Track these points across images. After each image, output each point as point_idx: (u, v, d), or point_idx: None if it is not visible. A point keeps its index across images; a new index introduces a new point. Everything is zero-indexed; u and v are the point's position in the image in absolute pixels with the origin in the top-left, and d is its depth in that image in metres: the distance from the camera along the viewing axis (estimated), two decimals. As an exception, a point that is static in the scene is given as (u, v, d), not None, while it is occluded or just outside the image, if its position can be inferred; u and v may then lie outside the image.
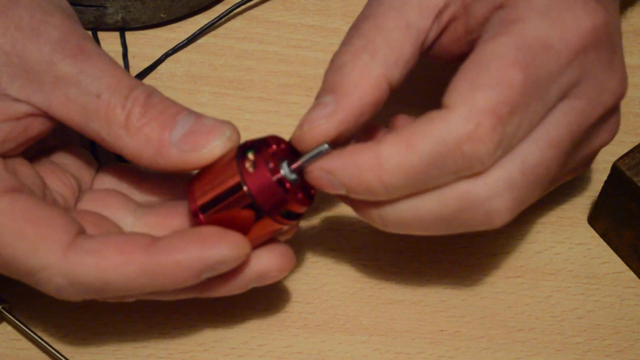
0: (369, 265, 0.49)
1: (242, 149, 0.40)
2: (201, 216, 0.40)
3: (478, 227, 0.41)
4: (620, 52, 0.43)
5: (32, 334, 0.45)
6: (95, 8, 0.53)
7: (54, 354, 0.44)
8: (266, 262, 0.42)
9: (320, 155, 0.40)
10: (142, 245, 0.39)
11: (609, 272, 0.50)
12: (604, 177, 0.49)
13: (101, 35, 0.54)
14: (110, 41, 0.54)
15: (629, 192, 0.47)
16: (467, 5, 0.42)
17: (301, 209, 0.41)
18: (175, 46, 0.54)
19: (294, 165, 0.40)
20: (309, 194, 0.41)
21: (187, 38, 0.55)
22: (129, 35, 0.55)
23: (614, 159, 0.48)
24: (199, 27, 0.55)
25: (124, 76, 0.41)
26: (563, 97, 0.41)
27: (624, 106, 0.45)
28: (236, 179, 0.40)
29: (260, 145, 0.40)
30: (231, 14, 0.56)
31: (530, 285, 0.49)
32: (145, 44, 0.55)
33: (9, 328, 0.46)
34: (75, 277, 0.39)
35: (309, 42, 0.56)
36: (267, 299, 0.48)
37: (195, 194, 0.41)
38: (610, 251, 0.51)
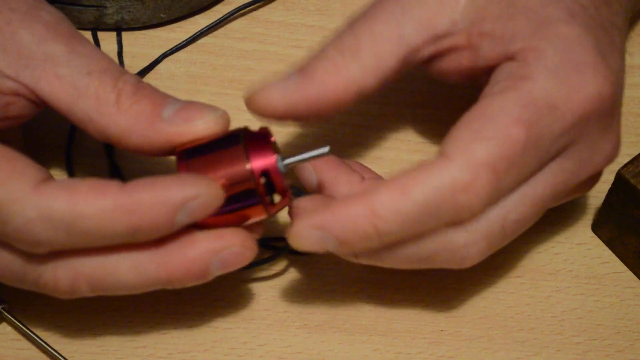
0: (368, 266, 0.49)
1: (245, 133, 0.40)
2: None
3: (446, 266, 0.43)
4: (618, 115, 0.44)
5: (31, 334, 0.45)
6: (94, 8, 0.53)
7: (54, 355, 0.44)
8: (229, 241, 0.40)
9: (319, 156, 0.40)
10: (116, 184, 0.38)
11: (609, 272, 0.50)
12: (604, 178, 0.49)
13: (101, 35, 0.54)
14: (110, 41, 0.54)
15: (633, 200, 0.47)
16: (474, 43, 0.43)
17: (283, 203, 0.41)
18: (174, 47, 0.54)
19: (289, 161, 0.40)
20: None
21: (187, 39, 0.55)
22: (129, 36, 0.54)
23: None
24: (198, 27, 0.55)
25: (112, 62, 0.41)
26: (556, 155, 0.42)
27: (624, 106, 0.45)
28: (241, 160, 0.39)
29: (264, 134, 0.40)
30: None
31: (530, 285, 0.49)
32: (145, 44, 0.55)
33: (9, 328, 0.46)
34: (46, 208, 0.38)
35: (309, 42, 0.56)
36: (267, 299, 0.48)
37: (189, 167, 0.40)
38: (611, 251, 0.51)
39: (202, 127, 0.40)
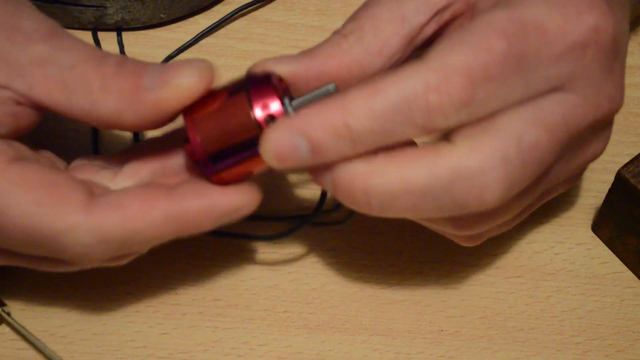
0: (369, 265, 0.49)
1: (249, 81, 0.40)
2: (198, 141, 0.40)
3: (469, 206, 0.39)
4: (622, 61, 0.42)
5: (31, 337, 0.45)
6: (95, 8, 0.53)
7: (53, 357, 0.45)
8: (238, 197, 0.41)
9: (326, 95, 0.39)
10: (162, 192, 0.39)
11: (609, 272, 0.50)
12: (604, 178, 0.49)
13: (101, 35, 0.54)
14: (110, 41, 0.54)
15: (633, 200, 0.47)
16: (471, 3, 0.43)
17: None
18: (179, 48, 0.54)
19: (297, 102, 0.40)
20: None
21: (190, 40, 0.55)
22: (129, 36, 0.55)
23: (613, 159, 0.48)
24: (199, 27, 0.55)
25: (94, 49, 0.41)
26: (556, 88, 0.40)
27: (624, 106, 0.45)
28: (245, 110, 0.39)
29: (267, 78, 0.40)
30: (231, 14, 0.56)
31: (530, 285, 0.49)
32: (146, 44, 0.55)
33: (8, 329, 0.46)
34: (102, 232, 0.38)
35: (309, 42, 0.55)
36: (267, 299, 0.48)
37: (196, 124, 0.40)
38: (611, 251, 0.51)
39: (186, 85, 0.39)
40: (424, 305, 0.48)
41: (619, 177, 0.47)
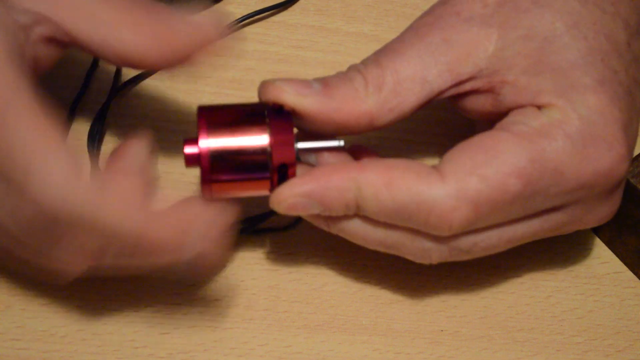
0: (369, 265, 0.49)
1: (270, 110, 0.41)
2: (204, 149, 0.40)
3: (408, 257, 0.44)
4: (623, 184, 0.44)
5: None
6: (95, 8, 0.53)
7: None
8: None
9: (332, 148, 0.42)
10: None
11: (609, 272, 0.50)
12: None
13: (101, 35, 0.54)
14: (110, 41, 0.54)
15: (633, 200, 0.47)
16: (495, 88, 0.43)
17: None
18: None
19: (303, 146, 0.42)
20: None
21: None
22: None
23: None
24: (199, 27, 0.55)
25: None
26: (548, 211, 0.43)
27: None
28: (263, 137, 0.40)
29: (289, 116, 0.41)
30: (233, 15, 0.56)
31: (530, 285, 0.49)
32: (145, 44, 0.54)
33: (9, 328, 0.46)
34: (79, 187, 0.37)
35: (309, 42, 0.56)
36: (267, 299, 0.48)
37: (209, 128, 0.41)
38: (610, 251, 0.51)
39: (211, 37, 0.40)
40: (424, 305, 0.48)
41: None
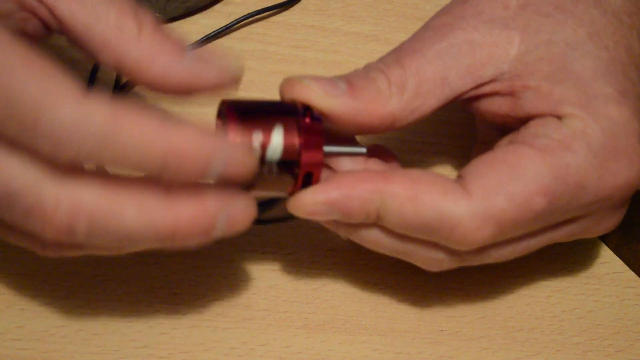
0: (369, 265, 0.49)
1: (301, 110, 0.40)
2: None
3: (418, 265, 0.44)
4: (631, 195, 0.44)
5: None
6: (94, 8, 0.53)
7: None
8: (237, 197, 0.39)
9: (356, 154, 0.42)
10: (156, 116, 0.37)
11: (609, 272, 0.50)
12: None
13: (101, 35, 0.54)
14: (110, 41, 0.54)
15: (639, 207, 0.47)
16: (516, 92, 0.42)
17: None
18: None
19: (329, 150, 0.41)
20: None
21: (197, 41, 0.54)
22: (128, 35, 0.54)
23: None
24: (199, 27, 0.55)
25: None
26: (564, 223, 0.43)
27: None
28: (293, 138, 0.40)
29: (319, 118, 0.40)
30: (233, 15, 0.56)
31: (530, 285, 0.50)
32: (145, 44, 0.54)
33: (9, 328, 0.46)
34: (85, 116, 0.35)
35: (309, 42, 0.56)
36: (267, 299, 0.48)
37: (238, 124, 0.39)
38: (610, 251, 0.51)
39: (212, 82, 0.38)
40: (424, 305, 0.48)
41: None
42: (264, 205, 0.47)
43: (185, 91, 0.38)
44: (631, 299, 0.50)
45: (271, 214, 0.48)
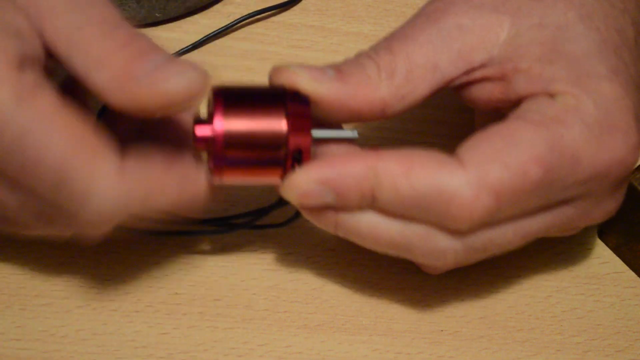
0: (369, 265, 0.49)
1: (289, 95, 0.40)
2: (220, 138, 0.39)
3: (418, 261, 0.44)
4: (628, 179, 0.44)
5: None
6: (94, 8, 0.53)
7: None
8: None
9: (346, 139, 0.41)
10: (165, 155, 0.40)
11: (609, 272, 0.50)
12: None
13: (101, 35, 0.54)
14: (110, 41, 0.54)
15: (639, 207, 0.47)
16: (507, 76, 0.42)
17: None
18: (185, 47, 0.54)
19: (318, 134, 0.41)
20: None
21: (198, 40, 0.54)
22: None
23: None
24: (198, 27, 0.55)
25: (113, 13, 0.39)
26: (561, 203, 0.42)
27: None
28: (280, 124, 0.40)
29: (307, 101, 0.40)
30: (233, 15, 0.56)
31: (530, 285, 0.49)
32: (145, 44, 0.54)
33: (9, 328, 0.46)
34: (129, 200, 0.37)
35: (309, 42, 0.56)
36: (267, 299, 0.48)
37: (225, 109, 0.40)
38: (610, 251, 0.51)
39: (171, 93, 0.37)
40: (424, 305, 0.48)
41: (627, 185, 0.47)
42: (259, 211, 0.47)
43: (149, 112, 0.38)
44: (631, 299, 0.50)
45: (267, 220, 0.48)
